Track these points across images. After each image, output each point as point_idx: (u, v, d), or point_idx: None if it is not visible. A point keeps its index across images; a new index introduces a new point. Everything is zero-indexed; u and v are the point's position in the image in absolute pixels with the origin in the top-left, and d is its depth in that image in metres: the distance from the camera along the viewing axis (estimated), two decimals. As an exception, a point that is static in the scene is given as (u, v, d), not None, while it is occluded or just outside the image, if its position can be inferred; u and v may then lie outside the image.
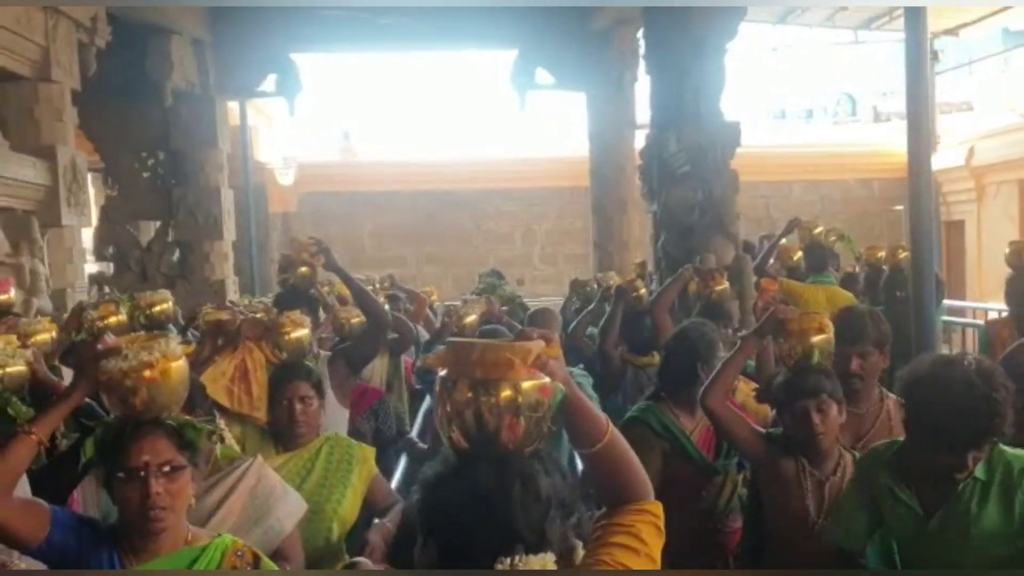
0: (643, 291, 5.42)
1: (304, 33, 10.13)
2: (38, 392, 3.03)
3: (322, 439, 3.31)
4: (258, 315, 4.54)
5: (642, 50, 10.54)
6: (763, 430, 3.10)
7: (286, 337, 3.67)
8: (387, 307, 6.56)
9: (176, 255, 10.04)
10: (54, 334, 3.74)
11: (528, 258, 15.85)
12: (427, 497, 1.59)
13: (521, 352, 1.54)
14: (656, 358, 4.62)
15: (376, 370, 5.46)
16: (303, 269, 4.75)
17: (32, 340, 3.36)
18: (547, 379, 1.57)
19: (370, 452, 3.34)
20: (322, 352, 4.51)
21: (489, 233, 15.78)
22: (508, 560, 1.42)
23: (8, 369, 2.88)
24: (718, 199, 5.77)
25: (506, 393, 1.52)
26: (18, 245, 5.89)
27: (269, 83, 10.54)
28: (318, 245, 4.42)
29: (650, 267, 7.36)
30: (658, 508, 1.71)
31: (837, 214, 15.86)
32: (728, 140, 5.83)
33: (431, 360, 1.75)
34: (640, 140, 10.54)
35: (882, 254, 6.63)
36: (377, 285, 7.20)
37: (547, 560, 1.43)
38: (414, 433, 5.52)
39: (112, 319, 4.34)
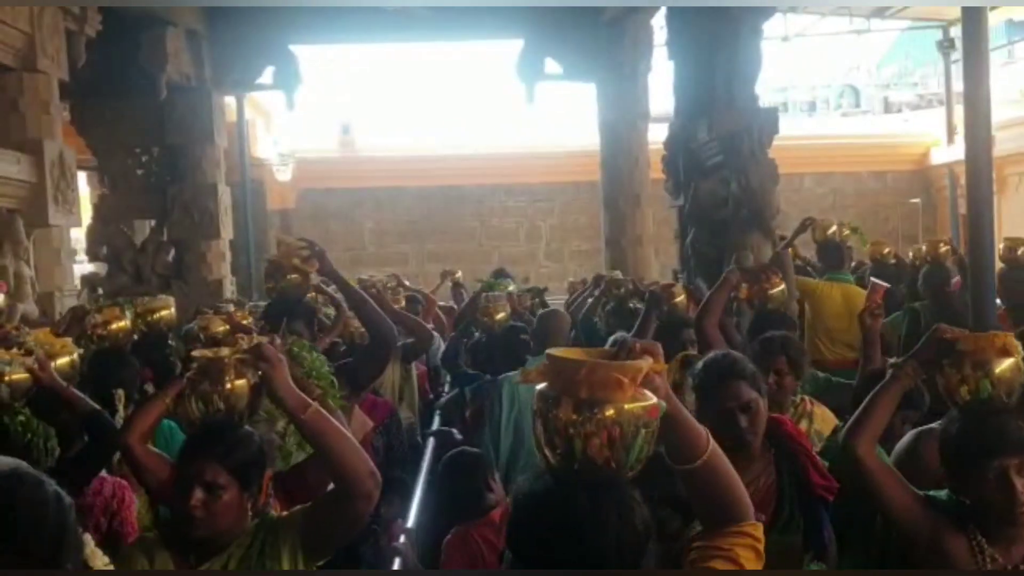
0: (681, 298, 4.72)
1: (303, 24, 9.73)
2: (45, 400, 2.92)
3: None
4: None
5: (657, 38, 10.38)
6: (921, 492, 2.29)
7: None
8: (403, 308, 6.27)
9: (171, 255, 9.65)
10: (76, 356, 3.39)
11: (533, 255, 15.48)
12: (518, 517, 1.56)
13: (631, 371, 1.47)
14: None
15: (387, 378, 5.10)
16: (293, 276, 3.74)
17: (56, 362, 3.13)
18: (653, 399, 1.48)
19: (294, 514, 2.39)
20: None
21: (493, 230, 15.41)
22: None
23: (10, 378, 2.82)
24: (755, 191, 5.36)
25: (610, 414, 1.44)
26: (1, 246, 5.50)
27: (267, 76, 10.15)
28: (310, 248, 3.65)
29: (675, 266, 6.98)
30: (758, 530, 1.64)
31: (850, 207, 15.53)
32: (765, 127, 5.43)
33: (531, 375, 1.57)
34: (653, 132, 10.28)
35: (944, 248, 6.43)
36: (382, 285, 6.79)
37: None
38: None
39: (115, 324, 3.99)
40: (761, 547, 1.64)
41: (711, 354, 2.67)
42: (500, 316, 5.49)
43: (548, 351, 1.57)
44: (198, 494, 2.10)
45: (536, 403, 1.52)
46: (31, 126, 5.98)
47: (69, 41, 6.59)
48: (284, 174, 14.34)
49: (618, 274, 6.92)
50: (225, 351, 2.23)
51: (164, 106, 9.25)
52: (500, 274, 9.10)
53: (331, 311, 5.16)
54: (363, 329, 4.49)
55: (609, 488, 1.48)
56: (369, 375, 3.84)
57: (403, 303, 6.57)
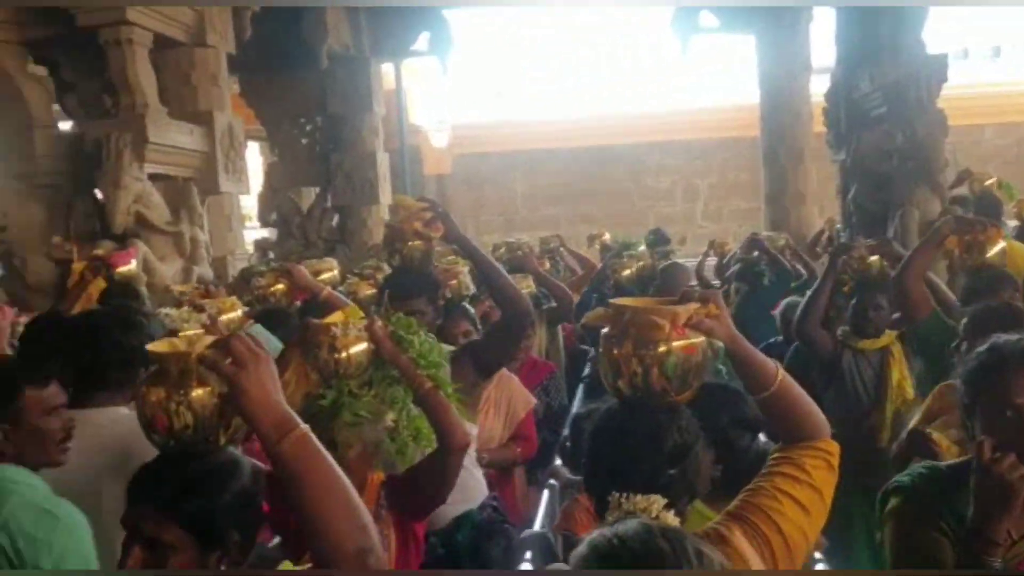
0: (876, 264, 4.00)
1: (456, -12, 9.82)
2: None
3: None
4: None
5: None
6: None
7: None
8: (547, 269, 6.31)
9: (335, 220, 10.04)
10: (240, 312, 3.71)
11: (690, 215, 15.14)
12: (591, 437, 1.84)
13: (670, 315, 1.72)
14: (888, 337, 3.88)
15: (534, 342, 5.15)
16: (415, 243, 3.30)
17: (222, 319, 3.48)
18: (698, 339, 1.74)
19: None
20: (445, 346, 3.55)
21: (648, 189, 15.16)
22: (617, 496, 1.45)
23: (186, 334, 2.89)
24: (922, 142, 5.01)
25: (658, 351, 1.71)
26: (178, 213, 5.88)
27: (422, 43, 10.32)
28: (433, 209, 3.20)
29: (839, 223, 6.65)
30: (832, 446, 1.80)
31: (1037, 159, 14.35)
32: (933, 74, 5.04)
33: (590, 318, 1.99)
34: (815, 85, 9.79)
35: None
36: (537, 249, 6.80)
37: (653, 502, 1.44)
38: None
39: (280, 286, 4.19)
40: (835, 462, 1.80)
41: (997, 338, 1.95)
42: (626, 273, 5.95)
43: (611, 300, 1.92)
44: (136, 553, 1.52)
45: (601, 342, 1.82)
46: (202, 98, 6.33)
47: (235, 16, 6.92)
48: (440, 140, 14.61)
49: (784, 237, 6.62)
50: (197, 344, 1.50)
51: (326, 76, 9.58)
52: (657, 235, 8.98)
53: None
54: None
55: (644, 413, 1.77)
56: (501, 357, 3.26)
57: (547, 266, 6.61)
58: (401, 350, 2.29)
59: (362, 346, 2.24)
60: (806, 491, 1.74)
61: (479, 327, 3.96)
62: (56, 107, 6.18)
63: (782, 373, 1.78)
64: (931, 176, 5.04)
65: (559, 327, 5.79)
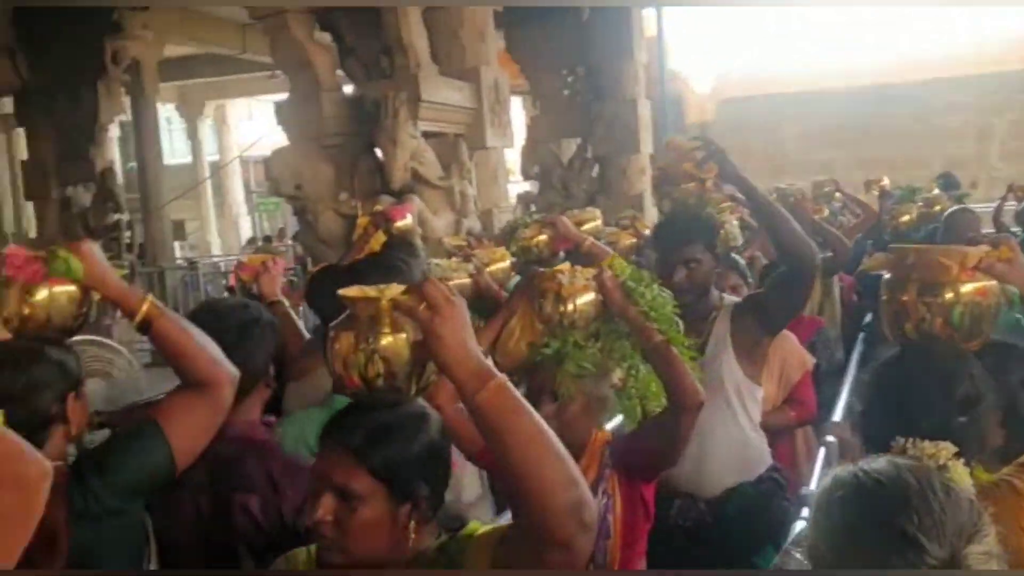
0: None
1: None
2: (484, 304, 3.18)
3: None
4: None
5: None
6: None
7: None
8: (823, 216, 5.95)
9: (595, 171, 10.04)
10: (507, 263, 3.80)
11: (983, 157, 13.69)
12: (870, 375, 1.84)
13: (958, 256, 1.69)
14: None
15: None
16: (688, 185, 3.10)
17: (490, 268, 3.55)
18: (990, 282, 1.70)
19: None
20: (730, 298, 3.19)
21: (935, 130, 13.85)
22: (903, 441, 1.37)
23: (455, 283, 3.11)
24: None
25: (945, 295, 1.68)
26: (449, 168, 6.09)
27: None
28: (706, 148, 2.88)
29: None
30: None
31: None
32: None
33: (870, 264, 2.10)
34: None
35: None
36: (809, 194, 6.39)
37: (942, 449, 1.33)
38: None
39: (543, 237, 4.24)
40: None
41: None
42: (905, 219, 5.75)
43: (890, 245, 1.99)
44: (326, 502, 1.48)
45: (883, 289, 1.82)
46: (470, 55, 6.49)
47: (500, -30, 7.02)
48: (703, 86, 14.16)
49: None
50: (387, 290, 1.43)
51: (587, 25, 9.53)
52: (947, 179, 8.24)
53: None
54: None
55: (934, 360, 1.72)
56: (787, 312, 2.93)
57: (824, 212, 6.21)
58: (631, 302, 2.15)
59: (589, 296, 2.14)
60: None
61: (749, 280, 3.76)
62: (339, 72, 6.59)
63: None
64: None
65: (834, 278, 5.47)
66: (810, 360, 3.60)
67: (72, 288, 1.88)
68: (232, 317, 2.22)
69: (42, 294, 1.86)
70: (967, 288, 1.68)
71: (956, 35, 13.43)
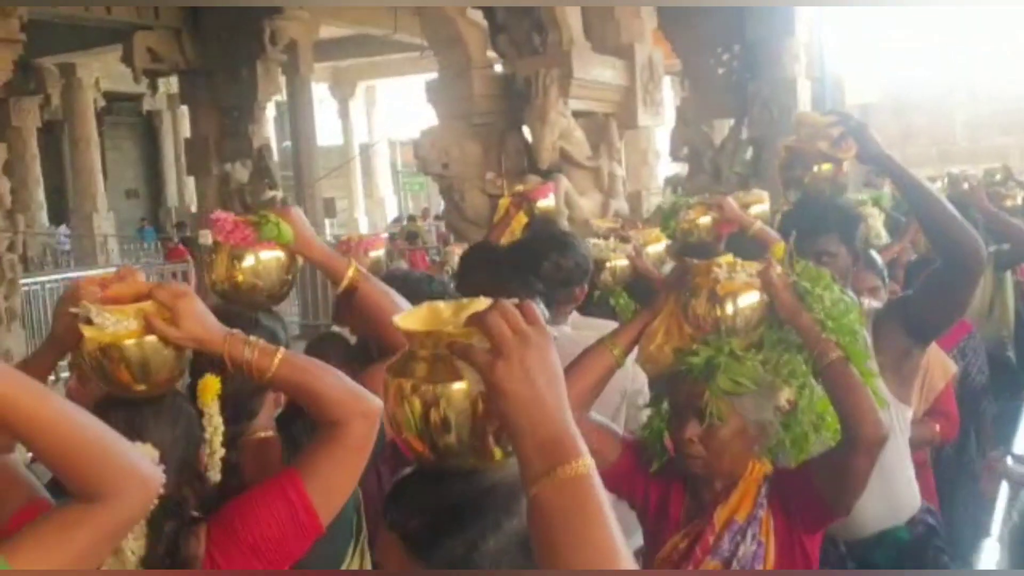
0: None
1: None
2: (641, 287, 3.12)
3: None
4: None
5: None
6: None
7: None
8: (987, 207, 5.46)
9: (749, 153, 9.62)
10: (663, 245, 3.68)
11: None
12: None
13: None
14: None
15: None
16: (823, 167, 2.60)
17: (646, 248, 3.46)
18: None
19: None
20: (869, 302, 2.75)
21: None
22: None
23: (613, 264, 3.14)
24: None
25: None
26: (598, 148, 5.93)
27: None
28: (844, 123, 2.47)
29: None
30: None
31: None
32: None
33: None
34: None
35: None
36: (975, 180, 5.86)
37: None
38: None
39: (707, 219, 4.04)
40: None
41: None
42: None
43: None
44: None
45: None
46: (624, 32, 6.29)
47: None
48: (865, 66, 13.39)
49: None
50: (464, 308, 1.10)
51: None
52: None
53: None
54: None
55: None
56: (943, 318, 2.46)
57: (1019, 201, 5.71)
58: (804, 307, 1.79)
59: (752, 297, 1.79)
60: None
61: (887, 282, 3.19)
62: (490, 54, 6.51)
63: None
64: None
65: (1007, 274, 4.95)
66: (952, 366, 3.19)
67: (281, 254, 1.84)
68: (422, 289, 2.25)
69: (251, 260, 1.83)
70: None
71: None
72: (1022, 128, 13.01)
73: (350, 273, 1.80)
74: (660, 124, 7.10)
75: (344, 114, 19.66)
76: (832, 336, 1.78)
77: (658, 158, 7.35)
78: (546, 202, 4.40)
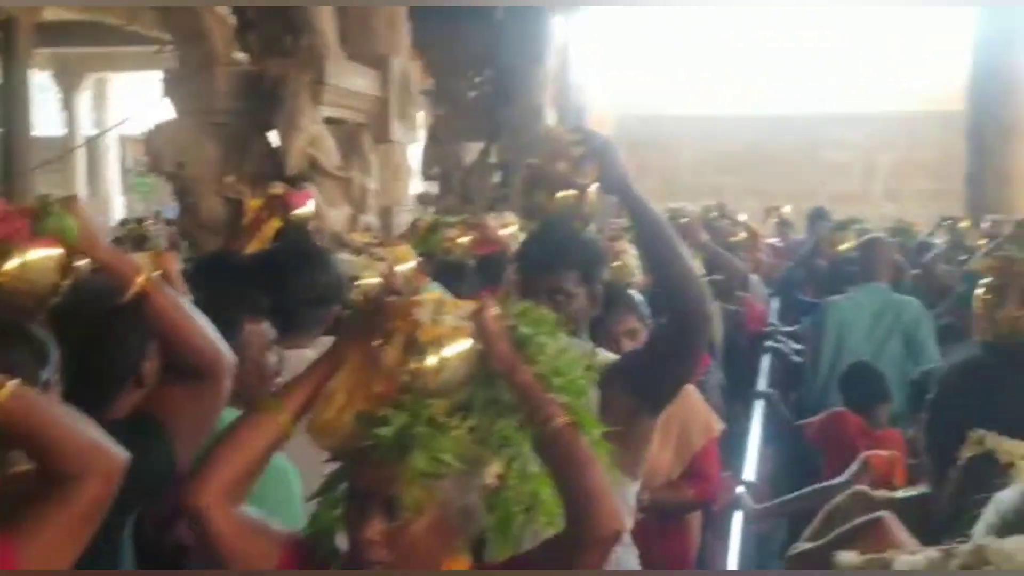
0: None
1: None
2: None
3: None
4: None
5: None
6: None
7: None
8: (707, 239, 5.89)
9: (497, 177, 9.81)
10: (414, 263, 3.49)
11: (867, 194, 14.15)
12: (948, 375, 1.90)
13: None
14: None
15: None
16: (565, 194, 2.10)
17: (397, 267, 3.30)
18: None
19: None
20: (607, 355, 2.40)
21: (823, 164, 14.26)
22: (979, 432, 1.47)
23: (364, 282, 2.94)
24: None
25: None
26: (349, 158, 5.73)
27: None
28: (589, 141, 2.08)
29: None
30: None
31: None
32: None
33: (979, 264, 2.16)
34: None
35: None
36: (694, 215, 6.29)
37: (1017, 447, 1.42)
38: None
39: (466, 239, 3.97)
40: None
41: None
42: (842, 247, 5.88)
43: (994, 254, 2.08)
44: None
45: (979, 292, 1.92)
46: (380, 42, 6.15)
47: (416, -41, 6.70)
48: (604, 99, 14.14)
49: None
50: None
51: (498, 26, 9.31)
52: (818, 213, 8.51)
53: None
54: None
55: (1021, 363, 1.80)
56: (675, 378, 2.14)
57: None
58: (525, 359, 1.44)
59: (462, 345, 1.42)
60: None
61: (647, 324, 2.90)
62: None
63: None
64: None
65: (718, 305, 5.22)
66: (717, 424, 2.95)
67: (55, 252, 1.54)
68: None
69: (16, 259, 1.51)
70: None
71: (849, 73, 13.87)
72: (738, 169, 14.30)
73: (140, 280, 1.61)
74: (414, 140, 7.02)
75: (69, 105, 17.98)
76: (558, 396, 1.43)
77: (409, 174, 7.27)
78: (304, 209, 4.16)
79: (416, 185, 11.61)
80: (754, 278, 6.38)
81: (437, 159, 9.95)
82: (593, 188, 2.07)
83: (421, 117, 11.60)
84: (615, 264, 3.37)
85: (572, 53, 11.85)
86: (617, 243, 3.59)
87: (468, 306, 1.46)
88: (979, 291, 1.95)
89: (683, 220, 5.88)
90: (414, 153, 10.75)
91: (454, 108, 9.91)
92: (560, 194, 2.09)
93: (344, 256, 3.11)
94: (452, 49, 9.64)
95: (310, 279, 2.45)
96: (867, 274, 4.82)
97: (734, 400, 4.65)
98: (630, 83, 14.44)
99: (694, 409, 2.83)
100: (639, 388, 2.05)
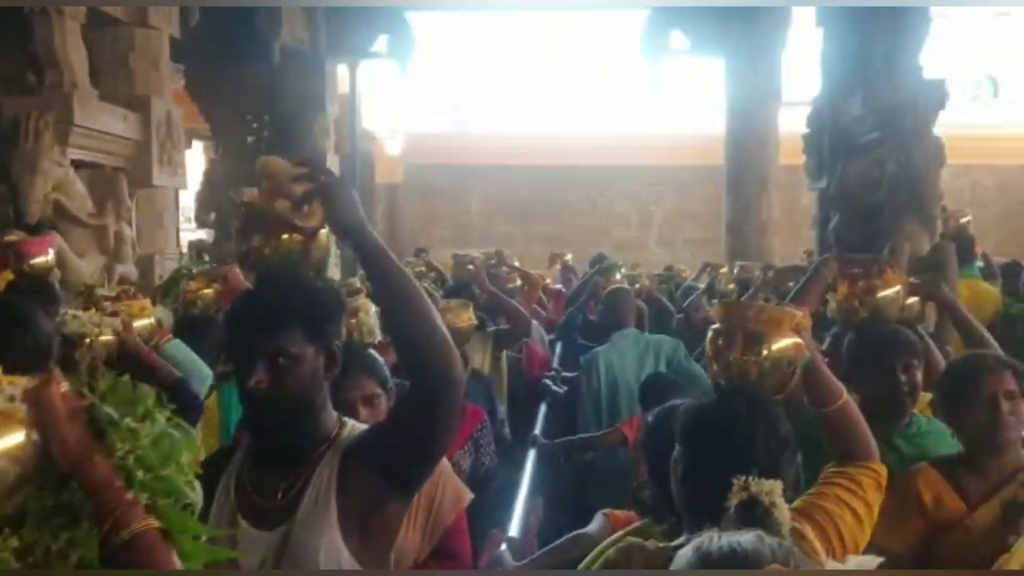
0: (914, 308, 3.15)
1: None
2: (129, 365, 2.56)
3: None
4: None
5: (795, 15, 9.63)
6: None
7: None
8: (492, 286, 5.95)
9: (279, 224, 9.51)
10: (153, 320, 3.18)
11: (644, 241, 14.90)
12: (686, 419, 1.89)
13: (789, 315, 1.91)
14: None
15: (474, 366, 4.68)
16: (288, 237, 1.77)
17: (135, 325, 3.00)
18: (801, 341, 1.89)
19: None
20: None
21: (604, 213, 14.92)
22: (743, 478, 1.51)
23: (96, 339, 2.73)
24: (917, 171, 4.73)
25: (769, 347, 1.86)
26: (104, 205, 5.33)
27: (381, 45, 9.90)
28: (311, 176, 1.71)
29: (815, 255, 6.41)
30: (882, 468, 1.96)
31: (991, 202, 14.44)
32: (932, 100, 4.78)
33: (712, 312, 2.10)
34: (785, 115, 9.57)
35: None
36: (480, 263, 6.32)
37: (775, 487, 1.50)
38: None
39: (210, 290, 3.70)
40: (884, 483, 1.95)
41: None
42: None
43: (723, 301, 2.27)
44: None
45: (710, 335, 1.95)
46: (139, 83, 5.81)
47: (183, -2, 6.42)
48: (393, 148, 14.16)
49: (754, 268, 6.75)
50: None
51: (276, 73, 9.08)
52: (599, 259, 8.79)
53: None
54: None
55: (760, 403, 1.85)
56: (415, 461, 1.79)
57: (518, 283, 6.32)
58: (104, 449, 1.19)
59: (15, 438, 1.14)
60: (861, 505, 1.88)
61: (391, 388, 2.53)
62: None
63: (847, 394, 1.98)
64: (924, 208, 4.77)
65: (504, 353, 5.15)
66: (467, 495, 2.55)
67: None
68: None
69: None
70: (788, 342, 1.87)
71: (628, 127, 14.63)
72: (526, 217, 14.66)
73: None
74: (181, 186, 6.66)
75: None
76: (143, 495, 1.18)
77: (176, 221, 6.88)
78: (42, 259, 3.85)
79: (194, 233, 11.09)
80: (534, 323, 6.46)
81: (214, 205, 9.52)
82: (324, 232, 1.76)
83: (200, 164, 11.16)
84: (351, 321, 3.05)
85: (359, 101, 11.79)
86: (354, 299, 3.18)
87: (23, 383, 1.17)
88: (710, 336, 1.97)
89: (469, 267, 5.91)
90: (188, 199, 10.29)
91: (232, 153, 9.54)
92: (283, 237, 1.75)
93: (71, 313, 2.81)
94: (229, 93, 9.30)
95: (7, 341, 2.19)
96: (620, 322, 5.08)
97: (519, 448, 4.63)
98: (419, 132, 14.53)
99: (442, 479, 2.44)
100: (383, 468, 1.75)
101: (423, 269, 7.26)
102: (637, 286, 6.94)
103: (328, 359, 1.80)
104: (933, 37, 5.03)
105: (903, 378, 2.56)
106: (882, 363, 2.57)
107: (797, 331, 1.89)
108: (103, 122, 5.37)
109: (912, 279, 3.08)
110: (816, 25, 5.68)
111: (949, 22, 15.91)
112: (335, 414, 1.86)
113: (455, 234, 14.46)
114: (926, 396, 2.95)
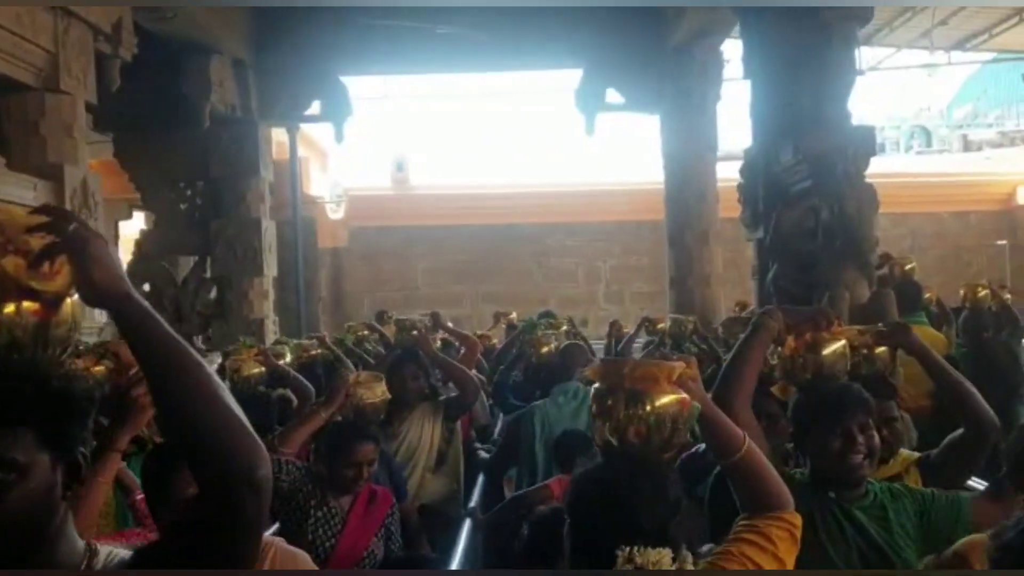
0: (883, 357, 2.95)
1: (354, 53, 9.34)
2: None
3: None
4: None
5: (728, 69, 9.74)
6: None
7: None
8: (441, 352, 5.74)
9: (213, 292, 9.22)
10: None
11: (592, 297, 14.81)
12: (573, 487, 1.88)
13: (667, 370, 1.81)
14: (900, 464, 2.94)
15: (425, 439, 4.45)
16: (10, 311, 1.25)
17: None
18: (686, 395, 1.81)
19: None
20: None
21: (551, 270, 14.79)
22: (627, 549, 1.51)
23: None
24: (851, 218, 4.66)
25: (650, 404, 1.78)
26: (12, 279, 5.04)
27: (316, 108, 9.77)
28: (55, 227, 1.24)
29: (754, 306, 6.33)
30: (795, 518, 1.88)
31: (929, 248, 14.63)
32: (861, 147, 4.73)
33: (588, 373, 1.96)
34: (721, 170, 9.60)
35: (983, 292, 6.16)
36: (423, 326, 6.14)
37: (663, 555, 1.50)
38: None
39: (101, 367, 3.43)
40: (798, 534, 1.86)
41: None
42: (546, 350, 5.78)
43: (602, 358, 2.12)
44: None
45: (592, 396, 1.86)
46: (51, 150, 5.56)
47: (101, 64, 6.21)
48: (336, 212, 13.97)
49: (691, 320, 6.80)
50: None
51: (208, 138, 8.90)
52: (547, 315, 8.65)
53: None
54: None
55: (647, 463, 1.78)
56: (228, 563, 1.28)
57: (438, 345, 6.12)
58: None
59: None
60: (770, 560, 1.81)
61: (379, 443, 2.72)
62: None
63: (749, 441, 1.87)
64: (860, 255, 4.68)
65: (458, 423, 4.87)
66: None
67: None
68: None
69: None
70: (673, 399, 1.78)
71: (571, 185, 14.65)
72: (473, 277, 14.50)
73: None
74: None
75: None
76: None
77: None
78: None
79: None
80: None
81: (146, 276, 9.22)
82: (71, 300, 1.33)
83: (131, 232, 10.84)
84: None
85: (298, 166, 11.62)
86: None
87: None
88: (593, 395, 1.86)
89: (414, 332, 5.70)
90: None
91: (164, 221, 9.30)
92: (5, 309, 1.30)
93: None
94: (159, 160, 9.08)
95: None
96: (567, 375, 4.89)
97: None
98: (362, 194, 14.39)
99: None
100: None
101: (365, 333, 7.03)
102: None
103: (69, 472, 1.32)
104: (865, 91, 5.04)
105: (859, 439, 2.29)
106: (829, 425, 2.31)
107: (681, 384, 1.78)
108: (10, 192, 5.12)
109: (880, 326, 2.90)
110: (743, 77, 5.66)
111: (881, 75, 16.31)
112: (80, 544, 1.35)
113: (403, 296, 14.23)
114: (909, 455, 2.85)
